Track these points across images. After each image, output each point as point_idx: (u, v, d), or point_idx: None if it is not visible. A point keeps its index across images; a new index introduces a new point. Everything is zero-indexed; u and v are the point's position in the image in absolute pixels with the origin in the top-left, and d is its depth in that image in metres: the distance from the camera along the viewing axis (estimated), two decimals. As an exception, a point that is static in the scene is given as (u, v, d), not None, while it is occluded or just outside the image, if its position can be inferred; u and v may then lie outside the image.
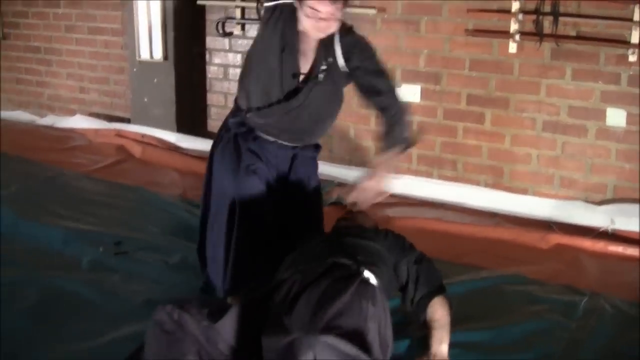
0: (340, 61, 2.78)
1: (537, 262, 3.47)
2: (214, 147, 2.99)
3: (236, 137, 2.87)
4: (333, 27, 2.67)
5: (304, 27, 2.67)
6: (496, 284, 3.18)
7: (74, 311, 2.81)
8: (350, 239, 2.63)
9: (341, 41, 2.76)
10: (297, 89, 2.76)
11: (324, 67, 2.77)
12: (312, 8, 2.56)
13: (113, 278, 3.13)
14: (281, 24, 2.70)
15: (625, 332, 2.78)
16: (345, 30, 2.79)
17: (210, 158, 2.97)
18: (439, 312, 2.54)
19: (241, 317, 2.18)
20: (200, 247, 3.04)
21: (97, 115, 6.13)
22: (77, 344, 2.52)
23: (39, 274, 3.08)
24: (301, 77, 2.78)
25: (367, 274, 2.31)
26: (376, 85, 2.80)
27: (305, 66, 2.79)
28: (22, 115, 6.59)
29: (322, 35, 2.69)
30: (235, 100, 2.95)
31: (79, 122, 6.06)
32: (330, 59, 2.77)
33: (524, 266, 3.39)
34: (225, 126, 2.96)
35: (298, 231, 2.89)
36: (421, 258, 2.70)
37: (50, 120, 6.35)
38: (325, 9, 2.56)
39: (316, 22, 2.60)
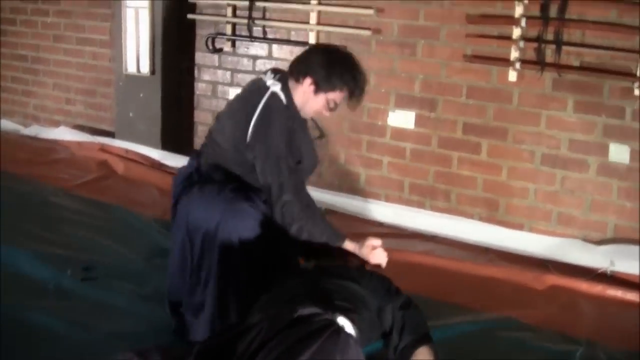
0: None
1: (531, 305, 3.32)
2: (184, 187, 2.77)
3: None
4: None
5: (313, 111, 2.76)
6: (487, 329, 3.01)
7: (34, 342, 2.64)
8: (330, 281, 2.46)
9: None
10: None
11: None
12: (335, 102, 2.72)
13: (78, 307, 2.95)
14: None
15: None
16: None
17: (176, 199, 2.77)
18: (423, 362, 2.37)
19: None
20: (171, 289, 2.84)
21: (82, 128, 5.99)
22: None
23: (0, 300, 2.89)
24: None
25: (341, 321, 2.14)
26: None
27: None
28: (6, 125, 6.47)
29: None
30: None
31: (63, 134, 5.96)
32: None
33: (517, 309, 3.23)
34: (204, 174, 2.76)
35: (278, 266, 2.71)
36: (408, 304, 2.53)
37: (34, 130, 6.26)
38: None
39: (326, 112, 2.74)
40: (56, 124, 6.19)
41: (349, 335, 2.07)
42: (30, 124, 6.40)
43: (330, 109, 2.73)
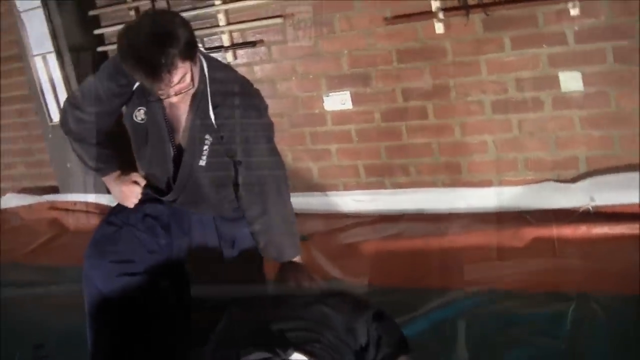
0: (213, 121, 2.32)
1: (513, 267, 3.04)
2: None
3: None
4: (191, 90, 2.22)
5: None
6: (467, 309, 2.74)
7: None
8: (285, 309, 2.23)
9: (211, 88, 2.30)
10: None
11: (204, 142, 2.33)
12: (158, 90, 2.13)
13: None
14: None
15: (625, 338, 2.34)
16: (214, 70, 2.33)
17: None
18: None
19: None
20: None
21: (30, 190, 5.69)
22: None
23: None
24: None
25: (297, 357, 1.94)
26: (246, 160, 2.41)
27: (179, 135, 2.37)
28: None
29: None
30: None
31: (11, 200, 5.73)
32: (206, 126, 2.32)
33: (498, 276, 2.95)
34: None
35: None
36: (380, 314, 2.29)
37: (-18, 203, 6.01)
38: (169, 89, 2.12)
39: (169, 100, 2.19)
40: (3, 192, 5.90)
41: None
42: (-21, 197, 6.13)
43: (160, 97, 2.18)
